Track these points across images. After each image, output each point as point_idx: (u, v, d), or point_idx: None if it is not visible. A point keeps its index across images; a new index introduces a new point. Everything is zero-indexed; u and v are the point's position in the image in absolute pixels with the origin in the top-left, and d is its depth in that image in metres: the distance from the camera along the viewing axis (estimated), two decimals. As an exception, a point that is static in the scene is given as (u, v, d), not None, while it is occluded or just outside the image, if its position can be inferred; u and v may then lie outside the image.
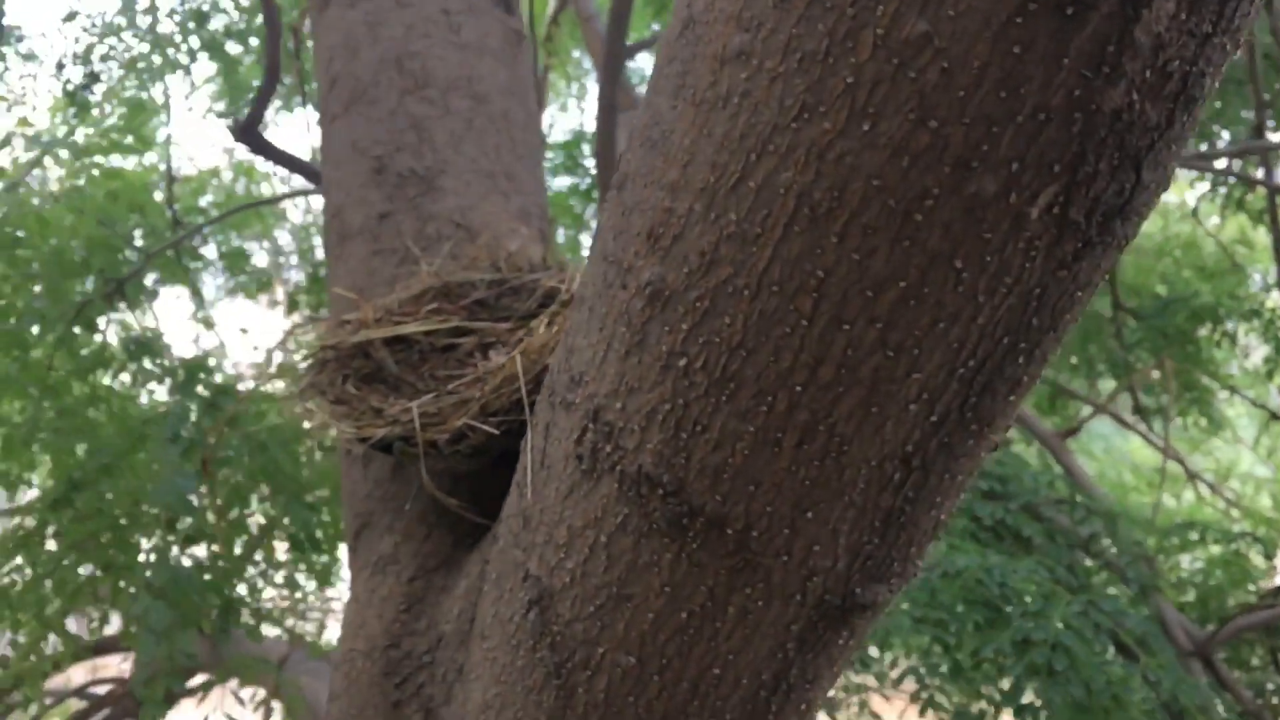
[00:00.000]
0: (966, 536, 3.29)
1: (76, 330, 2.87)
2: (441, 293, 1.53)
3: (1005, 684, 2.60)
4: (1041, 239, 0.63)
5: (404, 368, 1.40)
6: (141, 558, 2.47)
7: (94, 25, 6.66)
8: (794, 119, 0.63)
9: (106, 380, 3.12)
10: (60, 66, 6.54)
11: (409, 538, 1.39)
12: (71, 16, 6.67)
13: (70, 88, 6.52)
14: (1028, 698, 2.44)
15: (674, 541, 0.80)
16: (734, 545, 0.78)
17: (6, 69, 6.00)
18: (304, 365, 1.46)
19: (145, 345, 2.78)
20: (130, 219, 3.86)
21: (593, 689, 0.92)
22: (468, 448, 1.16)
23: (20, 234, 2.81)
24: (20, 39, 6.26)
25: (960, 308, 0.65)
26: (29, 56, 6.23)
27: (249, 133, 2.92)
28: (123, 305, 3.03)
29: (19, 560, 2.72)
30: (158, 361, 2.80)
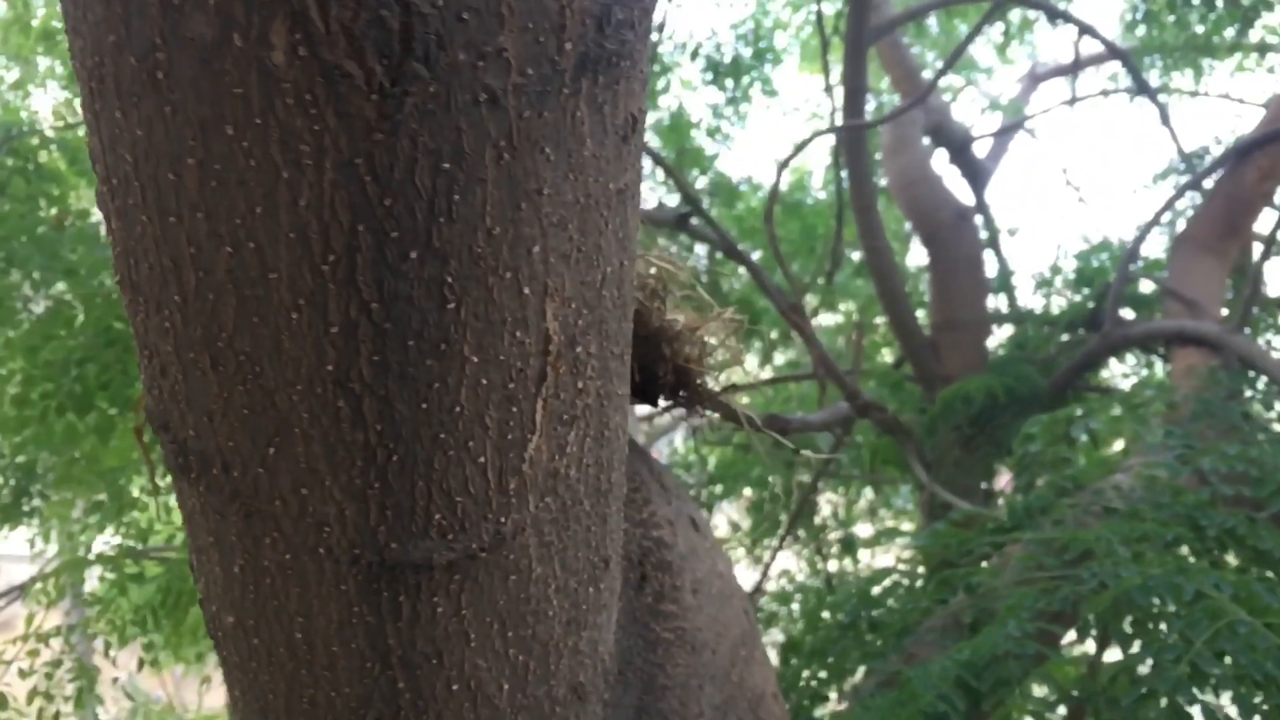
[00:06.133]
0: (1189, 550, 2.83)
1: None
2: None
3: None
4: (314, 93, 0.51)
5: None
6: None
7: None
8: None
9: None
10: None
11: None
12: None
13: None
14: None
15: (190, 485, 0.73)
16: (229, 488, 0.70)
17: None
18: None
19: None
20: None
21: (231, 655, 0.86)
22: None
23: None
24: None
25: (269, 186, 0.54)
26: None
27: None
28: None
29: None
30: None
